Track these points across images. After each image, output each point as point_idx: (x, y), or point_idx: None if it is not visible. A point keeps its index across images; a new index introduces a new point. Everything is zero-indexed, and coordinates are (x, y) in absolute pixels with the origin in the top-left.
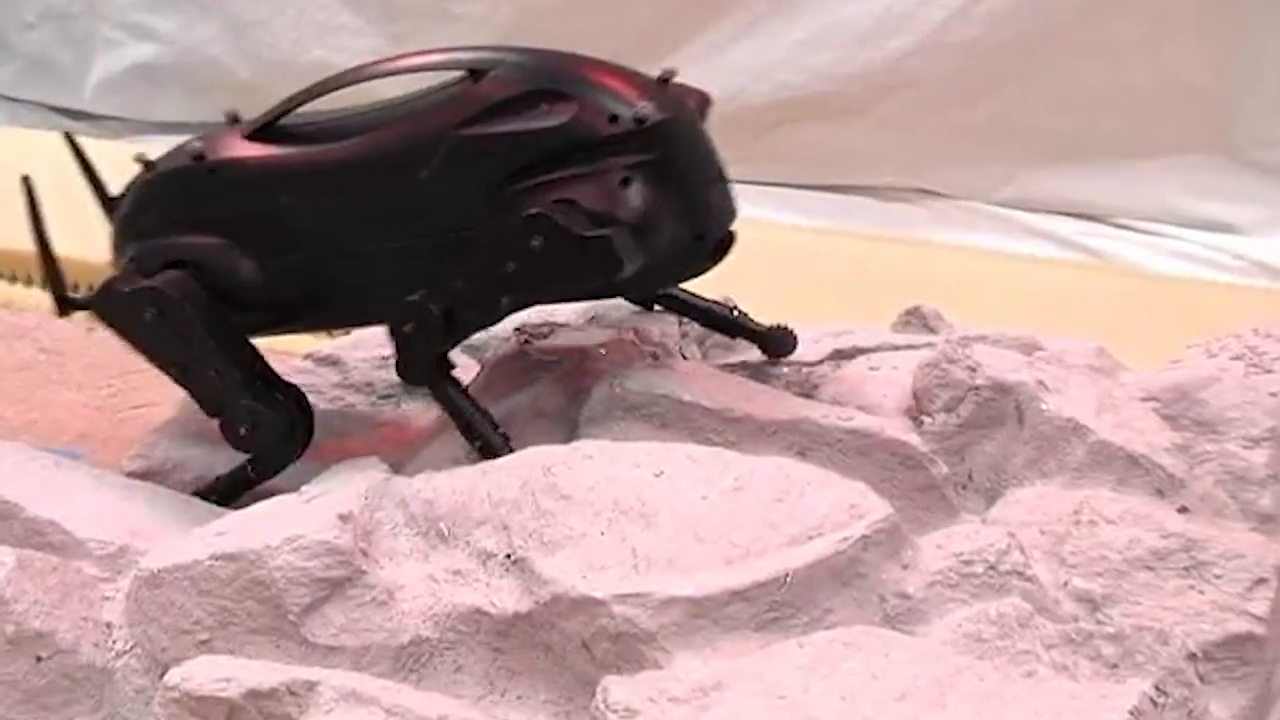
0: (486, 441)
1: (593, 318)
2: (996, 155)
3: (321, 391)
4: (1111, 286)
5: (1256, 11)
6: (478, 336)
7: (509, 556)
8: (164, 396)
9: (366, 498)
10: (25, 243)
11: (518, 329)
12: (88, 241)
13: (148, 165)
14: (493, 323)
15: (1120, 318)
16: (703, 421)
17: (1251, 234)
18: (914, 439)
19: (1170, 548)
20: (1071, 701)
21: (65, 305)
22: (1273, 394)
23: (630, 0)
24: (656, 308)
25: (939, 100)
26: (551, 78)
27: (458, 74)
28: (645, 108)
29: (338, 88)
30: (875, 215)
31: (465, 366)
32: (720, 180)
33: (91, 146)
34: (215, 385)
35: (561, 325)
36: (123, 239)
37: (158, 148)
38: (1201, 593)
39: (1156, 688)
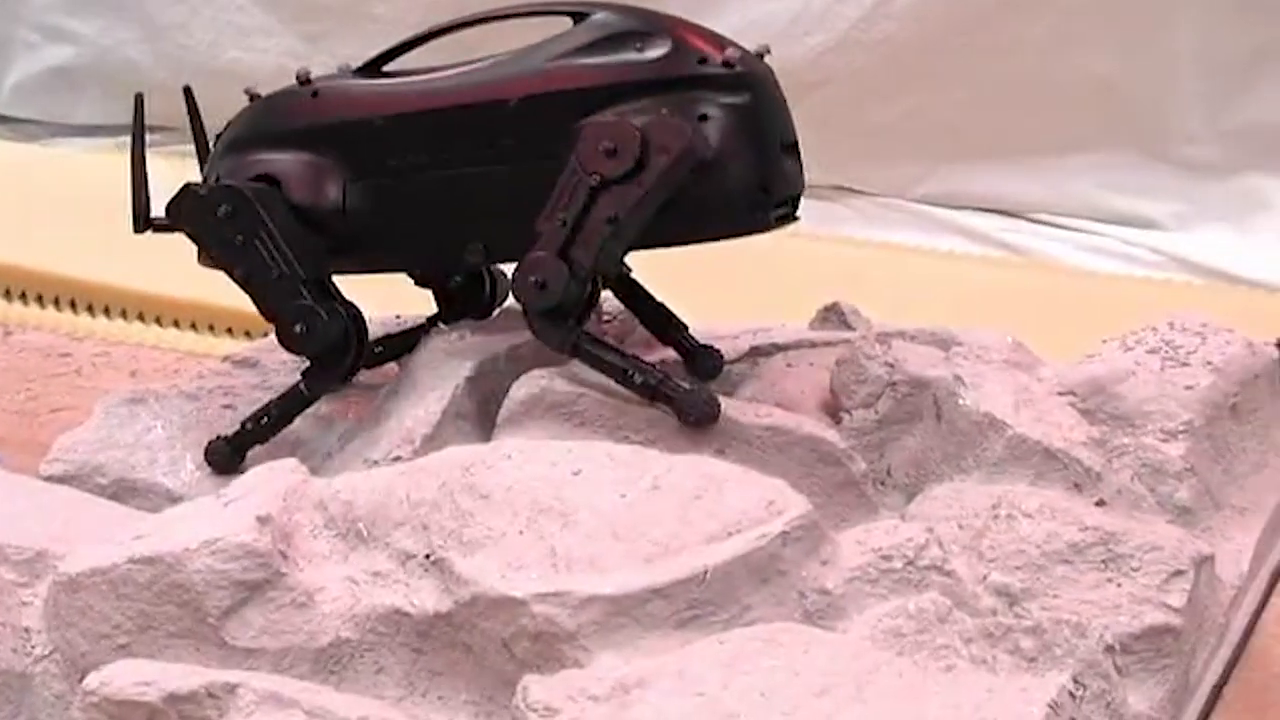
0: (645, 380)
1: (509, 316)
2: (915, 152)
3: (240, 394)
4: (1028, 282)
5: (1171, 7)
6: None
7: (428, 557)
8: (82, 400)
9: (285, 499)
10: None
11: (436, 329)
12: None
13: (254, 97)
14: (608, 257)
15: (1037, 313)
16: (622, 420)
17: (1169, 229)
18: (832, 435)
19: (1088, 541)
20: (990, 695)
21: (145, 222)
22: (1189, 387)
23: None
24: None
25: (857, 97)
26: (647, 21)
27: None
28: (734, 53)
29: (444, 32)
30: None
31: (385, 371)
32: (792, 150)
33: (8, 150)
34: (276, 286)
35: (479, 325)
36: (216, 159)
37: (76, 151)
38: (1119, 585)
39: (1075, 680)
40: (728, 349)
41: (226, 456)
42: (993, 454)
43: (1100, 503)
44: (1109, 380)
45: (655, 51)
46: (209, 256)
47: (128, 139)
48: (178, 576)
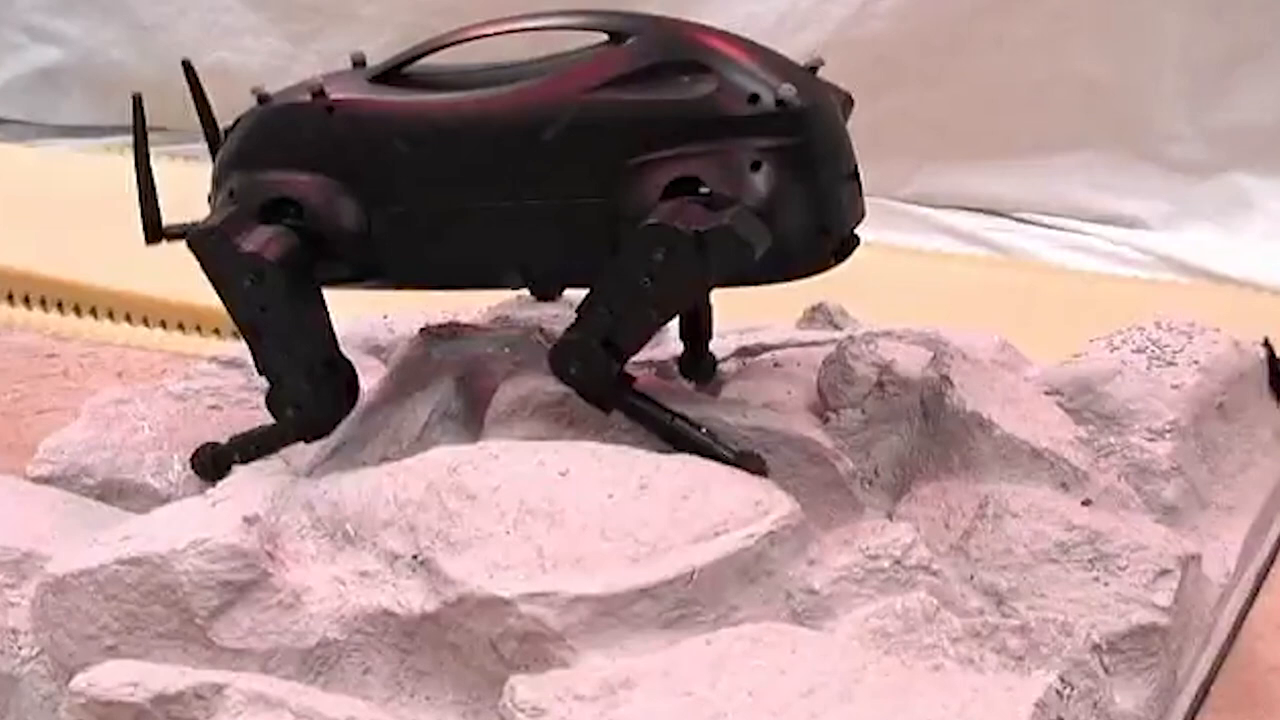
0: (694, 445)
1: (497, 317)
2: (901, 151)
3: (227, 395)
4: (1015, 281)
5: (1157, 7)
6: (384, 337)
7: (415, 557)
8: (69, 401)
9: (272, 500)
10: None
11: (423, 329)
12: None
13: (262, 99)
14: (651, 335)
15: (1024, 312)
16: (609, 420)
17: (1155, 228)
18: (820, 435)
19: (1075, 540)
20: (977, 694)
21: (157, 233)
22: (1175, 386)
23: (529, 3)
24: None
25: None
26: (694, 50)
27: (597, 39)
28: (787, 90)
29: (471, 39)
30: None
31: (370, 368)
32: (852, 178)
33: None
34: (279, 359)
35: (467, 326)
36: (227, 169)
37: (62, 151)
38: (1106, 585)
39: (1062, 679)
40: (715, 349)
41: (209, 468)
42: (980, 454)
43: (1087, 502)
44: (1096, 380)
45: (703, 88)
46: (220, 296)
47: (114, 139)
48: (165, 577)
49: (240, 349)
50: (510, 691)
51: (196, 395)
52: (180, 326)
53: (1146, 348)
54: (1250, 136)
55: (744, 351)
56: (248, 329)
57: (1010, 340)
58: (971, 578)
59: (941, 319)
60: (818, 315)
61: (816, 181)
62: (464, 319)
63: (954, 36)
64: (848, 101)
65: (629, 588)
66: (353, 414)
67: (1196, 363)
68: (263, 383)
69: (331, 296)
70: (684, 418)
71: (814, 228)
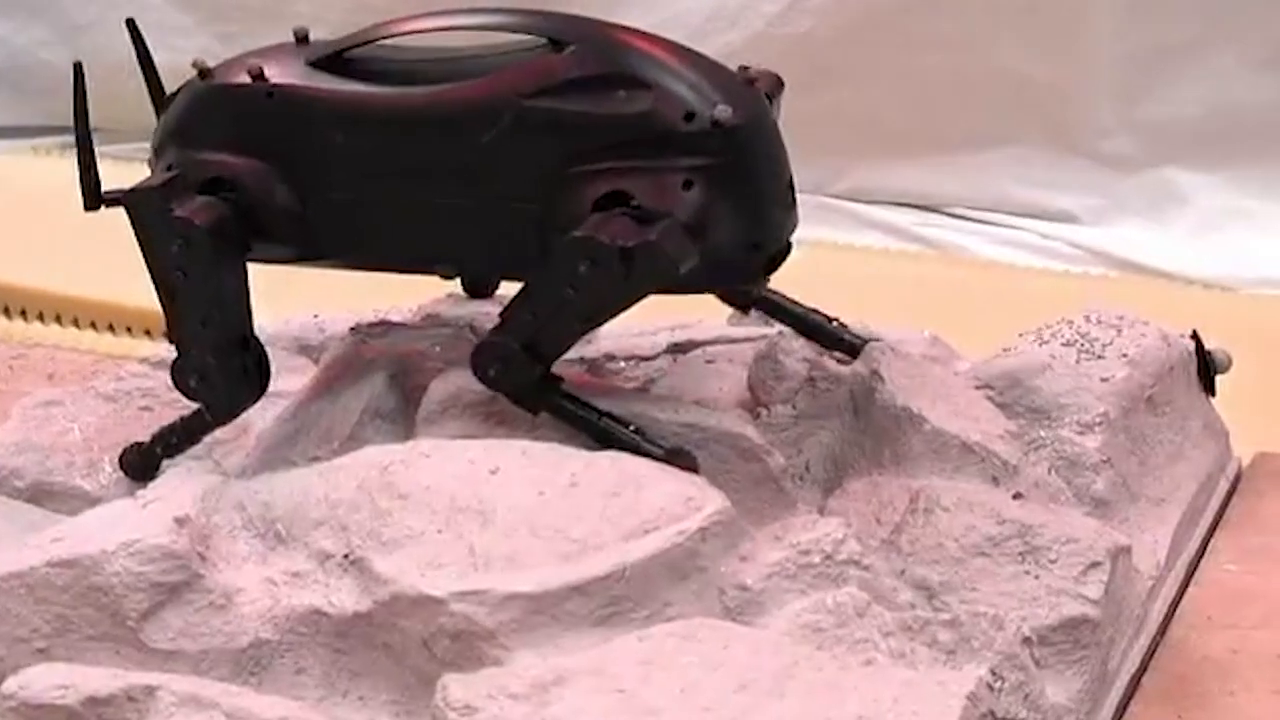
0: (624, 444)
1: (428, 316)
2: (832, 148)
3: (158, 395)
4: (945, 276)
5: (1086, 2)
6: (314, 337)
7: (347, 557)
8: None
9: (203, 500)
10: None
11: (354, 328)
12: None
13: (203, 73)
14: (575, 341)
15: (954, 307)
16: (540, 418)
17: (1085, 222)
18: (750, 431)
19: (1005, 534)
20: (909, 688)
21: (96, 199)
22: (1104, 379)
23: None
24: (754, 311)
25: None
26: (633, 62)
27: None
28: (723, 111)
29: (410, 33)
30: None
31: (301, 367)
32: (787, 190)
33: None
34: (192, 328)
35: (398, 324)
36: (166, 142)
37: None
38: (1037, 578)
39: (993, 672)
40: (646, 346)
41: (138, 467)
42: (910, 448)
43: (1017, 496)
44: (1025, 373)
45: (639, 104)
46: (146, 261)
47: (42, 141)
48: (96, 579)
49: (171, 349)
50: (443, 690)
51: (127, 396)
52: (111, 328)
53: (1076, 341)
54: (1180, 131)
55: (675, 348)
56: (167, 294)
57: (941, 335)
58: (903, 572)
59: (872, 314)
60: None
61: (750, 200)
62: (395, 318)
63: (884, 33)
64: (777, 84)
65: (561, 585)
66: (283, 413)
67: (1125, 356)
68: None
69: (262, 293)
70: (612, 416)
71: (746, 244)
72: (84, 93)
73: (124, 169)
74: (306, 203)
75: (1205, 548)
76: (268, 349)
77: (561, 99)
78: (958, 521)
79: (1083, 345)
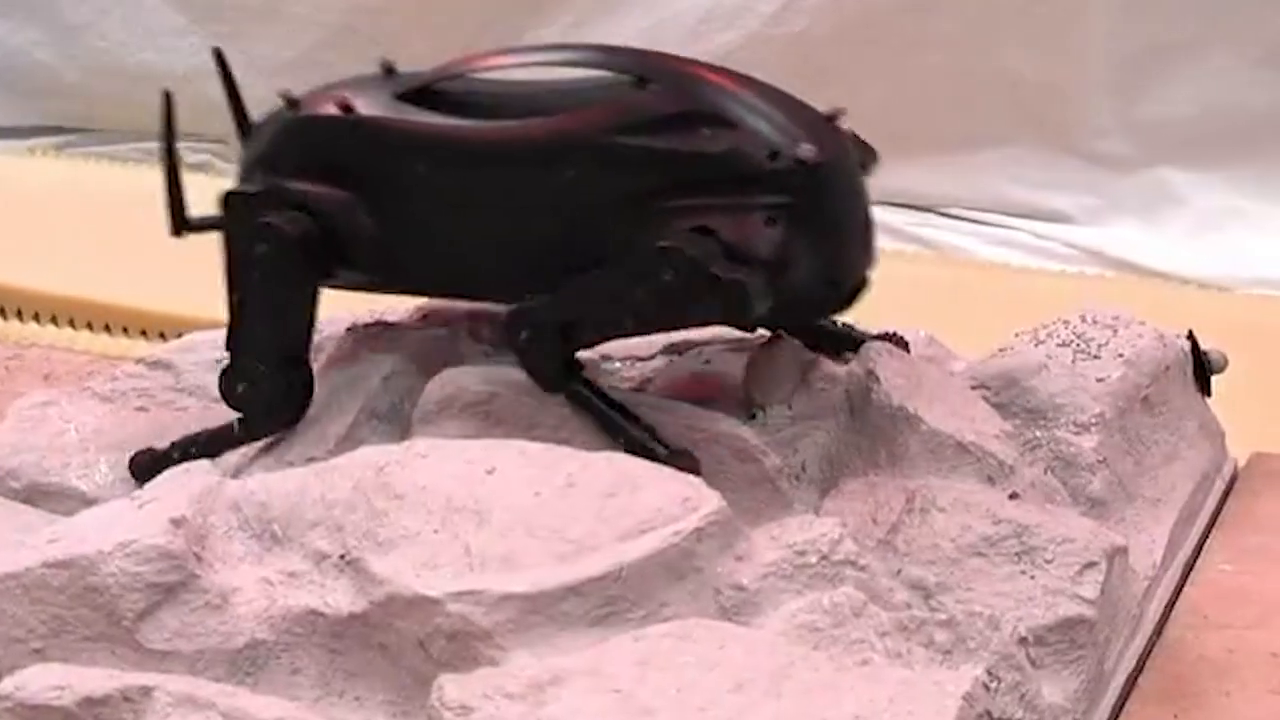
0: (630, 441)
1: (425, 316)
2: None
3: (154, 396)
4: (941, 276)
5: (1081, 2)
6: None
7: (343, 557)
8: None
9: (199, 501)
10: None
11: (350, 329)
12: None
13: (291, 103)
14: (614, 334)
15: (950, 307)
16: (536, 418)
17: (1081, 222)
18: (746, 432)
19: (1001, 534)
20: (905, 689)
21: (184, 225)
22: (1100, 380)
23: (492, 10)
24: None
25: None
26: (716, 100)
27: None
28: (807, 150)
29: (496, 68)
30: None
31: None
32: (866, 229)
33: None
34: (254, 337)
35: (395, 324)
36: (253, 169)
37: None
38: (1033, 578)
39: (989, 672)
40: (642, 346)
41: (149, 472)
42: (906, 448)
43: (1013, 496)
44: (1022, 374)
45: (723, 142)
46: (226, 263)
47: (38, 141)
48: (92, 579)
49: (167, 350)
50: (439, 690)
51: (123, 397)
52: (107, 328)
53: (1072, 341)
54: (1175, 131)
55: (671, 348)
56: (238, 298)
57: (936, 335)
58: (899, 572)
59: (867, 314)
60: None
61: (830, 238)
62: (392, 318)
63: (879, 33)
64: (870, 154)
65: (557, 586)
66: None
67: (1121, 356)
68: (191, 381)
69: None
70: (625, 410)
71: (824, 281)
72: (172, 117)
73: (117, 169)
74: (388, 232)
75: (1201, 548)
76: None
77: (645, 136)
78: (954, 521)
79: (1079, 345)
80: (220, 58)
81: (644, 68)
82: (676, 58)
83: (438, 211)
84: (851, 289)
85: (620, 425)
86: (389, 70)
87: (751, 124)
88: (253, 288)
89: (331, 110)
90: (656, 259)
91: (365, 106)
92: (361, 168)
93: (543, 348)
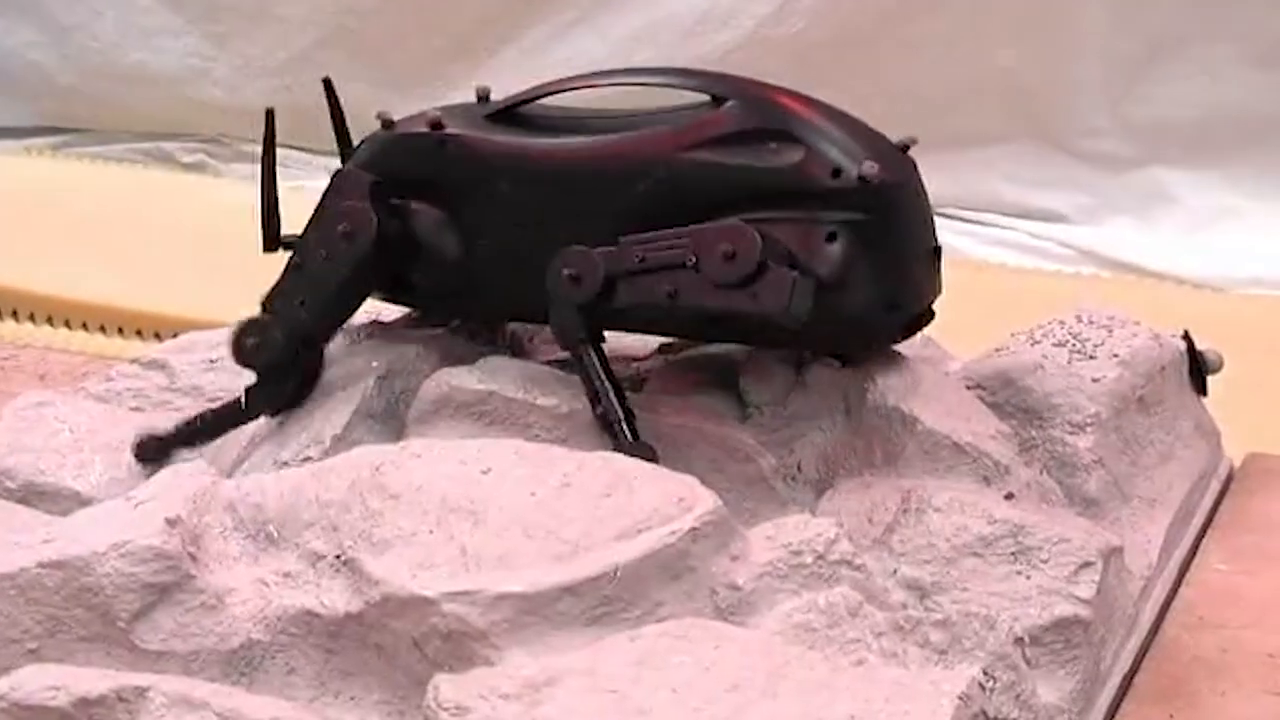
0: (606, 412)
1: (420, 317)
2: None
3: (149, 395)
4: None
5: (1075, 1)
6: None
7: (339, 557)
8: None
9: (194, 501)
10: None
11: (344, 329)
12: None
13: (387, 124)
14: (643, 314)
15: (945, 307)
16: (531, 418)
17: (1076, 222)
18: (742, 432)
19: (997, 534)
20: (901, 688)
21: (276, 242)
22: (1096, 380)
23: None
24: None
25: None
26: (785, 119)
27: (702, 97)
28: (870, 168)
29: (582, 88)
30: None
31: None
32: (931, 255)
33: None
34: (289, 302)
35: (389, 325)
36: (349, 185)
37: None
38: (1028, 578)
39: (985, 672)
40: (637, 346)
41: (154, 454)
42: (902, 448)
43: (1009, 496)
44: (1017, 374)
45: (789, 158)
46: (308, 224)
47: (34, 141)
48: (87, 580)
49: (162, 350)
50: (434, 690)
51: (118, 397)
52: (102, 329)
53: (1067, 341)
54: (1169, 130)
55: (666, 348)
56: (295, 262)
57: (932, 335)
58: (895, 572)
59: None
60: None
61: (891, 259)
62: (385, 318)
63: (875, 33)
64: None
65: (552, 585)
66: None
67: (1117, 356)
68: (186, 382)
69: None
70: (620, 392)
71: (883, 304)
72: (273, 134)
73: (112, 169)
74: (469, 250)
75: (1197, 548)
76: None
77: (714, 151)
78: (949, 521)
79: (1074, 345)
80: (329, 87)
81: (720, 87)
82: (754, 81)
83: (518, 229)
84: (914, 317)
85: (605, 398)
86: (483, 97)
87: (817, 143)
88: (313, 258)
89: (421, 129)
90: (718, 231)
91: (453, 125)
92: (449, 189)
93: (579, 296)
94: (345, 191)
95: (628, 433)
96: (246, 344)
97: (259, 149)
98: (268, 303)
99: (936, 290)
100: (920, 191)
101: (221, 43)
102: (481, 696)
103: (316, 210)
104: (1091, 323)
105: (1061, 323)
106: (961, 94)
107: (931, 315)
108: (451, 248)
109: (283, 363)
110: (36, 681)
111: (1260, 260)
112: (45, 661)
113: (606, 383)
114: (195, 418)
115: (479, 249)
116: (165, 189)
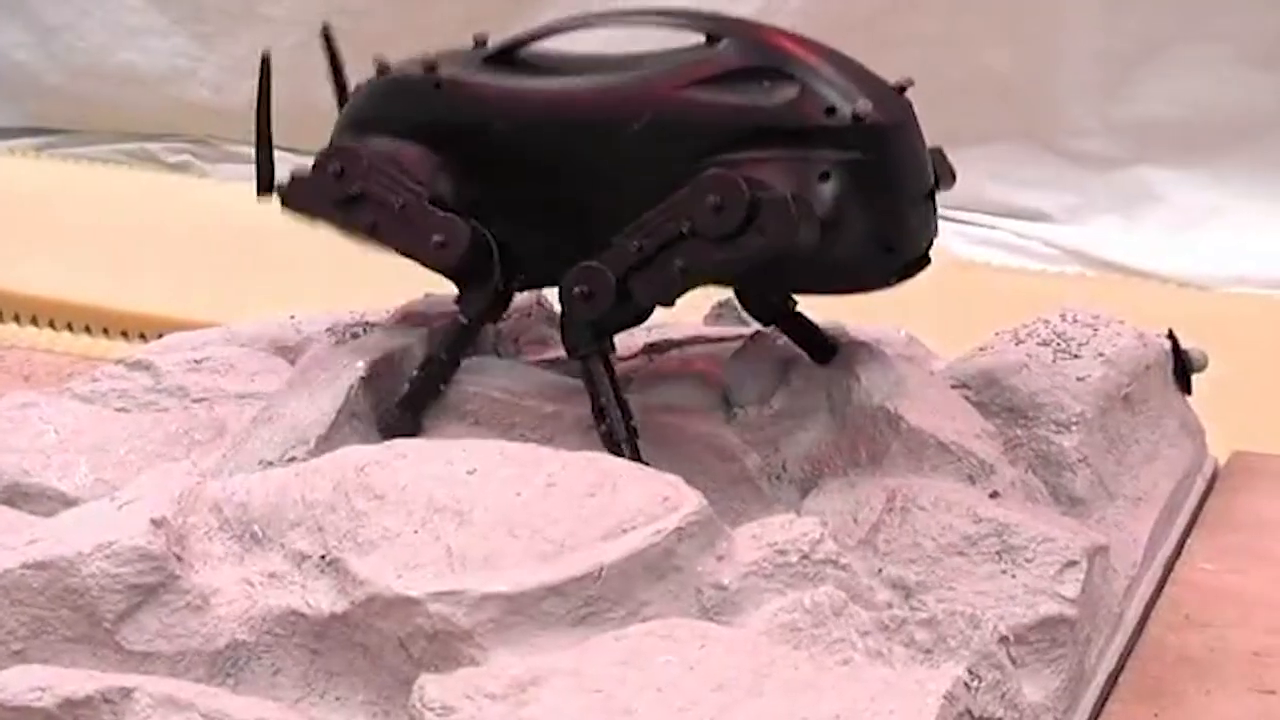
0: (611, 430)
1: (405, 316)
2: None
3: (134, 396)
4: (921, 275)
5: (1061, 2)
6: (291, 338)
7: (324, 557)
8: None
9: (179, 502)
10: None
11: (330, 329)
12: None
13: (382, 69)
14: (665, 297)
15: (930, 306)
16: (516, 418)
17: (1060, 221)
18: (727, 431)
19: (982, 533)
20: (886, 687)
21: (270, 187)
22: (1081, 378)
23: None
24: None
25: None
26: (780, 58)
27: (698, 39)
28: (865, 106)
29: (579, 28)
30: None
31: (276, 368)
32: (927, 199)
33: None
34: (403, 216)
35: (374, 325)
36: (341, 132)
37: None
38: (1013, 577)
39: (970, 671)
40: (622, 346)
41: (402, 420)
42: (887, 447)
43: (994, 495)
44: (1002, 373)
45: (782, 96)
46: (337, 224)
47: (19, 142)
48: (72, 581)
49: (147, 351)
50: (420, 690)
51: (103, 398)
52: (87, 329)
53: (1052, 340)
54: (1154, 130)
55: (652, 348)
56: (364, 222)
57: (917, 334)
58: (880, 571)
59: (847, 313)
60: (725, 311)
61: (885, 199)
62: (372, 318)
63: (861, 32)
64: (948, 174)
65: (537, 585)
66: (260, 414)
67: (1102, 355)
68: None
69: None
70: (626, 411)
71: (878, 245)
72: (268, 83)
73: (98, 170)
74: (463, 191)
75: (1182, 546)
76: (244, 349)
77: (708, 90)
78: (935, 521)
79: (1059, 344)
80: (327, 34)
81: (717, 27)
82: (753, 23)
83: (507, 169)
84: (909, 261)
85: (610, 415)
86: (480, 43)
87: (812, 81)
88: (363, 201)
89: (415, 71)
90: (699, 187)
91: (448, 69)
92: (444, 131)
93: (596, 307)
94: (326, 193)
95: (628, 454)
96: (433, 244)
97: (246, 149)
98: (410, 247)
99: (932, 234)
100: (917, 133)
101: (209, 43)
102: (467, 696)
103: (339, 221)
104: (1076, 321)
105: (1046, 322)
106: (947, 93)
107: (927, 260)
108: (446, 189)
109: (474, 242)
110: (21, 683)
111: (1245, 259)
112: (30, 662)
113: (613, 400)
114: (425, 362)
115: (472, 191)
116: (151, 190)
